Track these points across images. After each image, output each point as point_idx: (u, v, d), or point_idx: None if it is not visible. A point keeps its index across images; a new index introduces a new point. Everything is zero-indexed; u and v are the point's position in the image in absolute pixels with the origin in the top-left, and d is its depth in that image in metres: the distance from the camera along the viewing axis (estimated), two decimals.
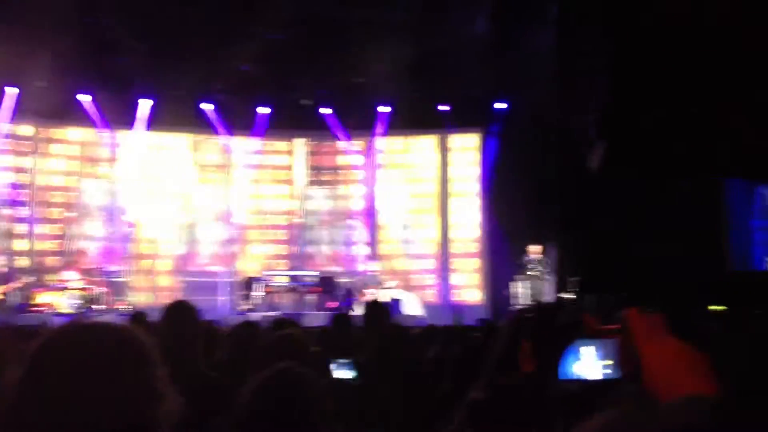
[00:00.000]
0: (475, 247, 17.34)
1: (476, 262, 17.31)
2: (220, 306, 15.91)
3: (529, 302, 14.48)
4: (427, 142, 17.94)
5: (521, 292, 14.75)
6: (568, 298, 13.85)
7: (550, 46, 13.65)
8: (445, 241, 17.64)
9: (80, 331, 1.33)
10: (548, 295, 14.59)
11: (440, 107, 16.65)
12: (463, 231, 17.52)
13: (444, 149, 17.82)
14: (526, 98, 14.97)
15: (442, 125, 17.04)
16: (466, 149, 17.67)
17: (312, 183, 18.15)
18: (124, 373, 1.28)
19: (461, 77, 14.97)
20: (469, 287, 17.30)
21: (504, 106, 16.36)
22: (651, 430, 1.00)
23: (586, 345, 1.71)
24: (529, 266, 14.83)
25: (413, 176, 17.95)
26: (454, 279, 17.41)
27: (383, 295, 14.86)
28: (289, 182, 18.14)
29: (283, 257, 17.80)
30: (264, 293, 15.40)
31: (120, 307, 15.11)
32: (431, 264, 17.60)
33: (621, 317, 1.44)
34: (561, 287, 14.45)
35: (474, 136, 17.57)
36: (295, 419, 2.01)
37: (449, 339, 5.41)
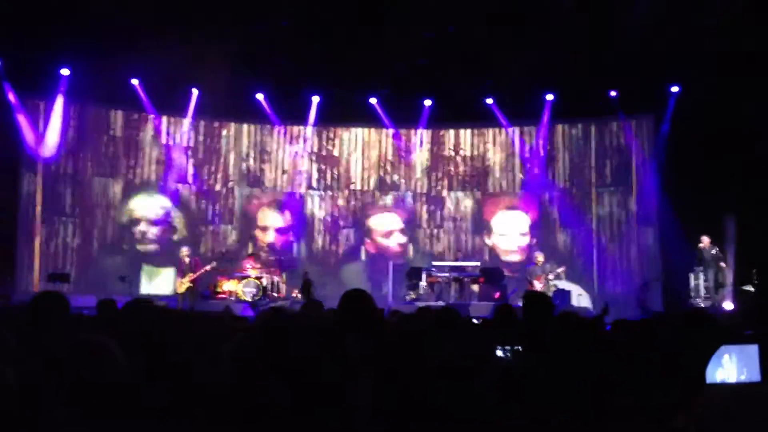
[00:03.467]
0: (644, 238, 16.63)
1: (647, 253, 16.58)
2: (385, 295, 16.24)
3: (706, 295, 13.88)
4: (594, 129, 17.44)
5: (701, 284, 14.05)
6: (748, 290, 13.11)
7: (724, 27, 12.88)
8: (614, 232, 17.07)
9: (286, 323, 1.45)
10: (729, 287, 13.80)
11: (610, 93, 16.04)
12: (631, 222, 16.87)
13: (611, 136, 17.26)
14: (700, 82, 14.17)
15: (611, 111, 16.48)
16: (636, 135, 16.98)
17: (471, 175, 18.15)
18: (324, 367, 1.38)
19: (630, 61, 14.34)
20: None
21: (676, 89, 15.57)
22: None
23: (729, 351, 1.70)
24: (708, 257, 14.07)
25: (577, 164, 17.51)
26: (622, 270, 16.81)
27: (550, 287, 14.64)
28: (454, 174, 18.23)
29: (449, 247, 17.93)
30: (426, 283, 15.58)
31: (293, 295, 15.83)
32: (597, 255, 17.08)
33: None
34: (741, 279, 13.64)
35: (644, 122, 16.86)
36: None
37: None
